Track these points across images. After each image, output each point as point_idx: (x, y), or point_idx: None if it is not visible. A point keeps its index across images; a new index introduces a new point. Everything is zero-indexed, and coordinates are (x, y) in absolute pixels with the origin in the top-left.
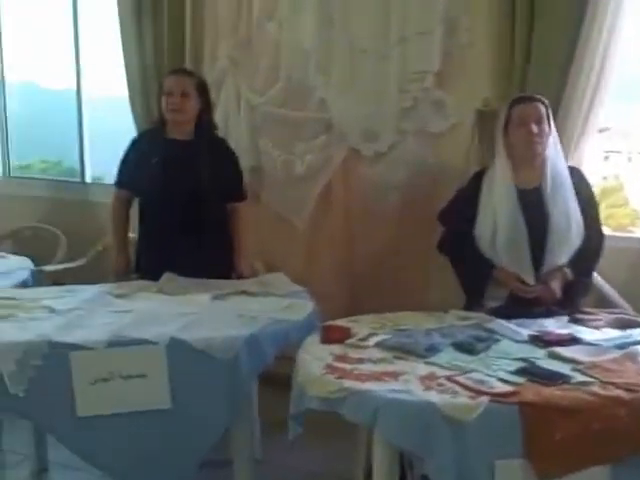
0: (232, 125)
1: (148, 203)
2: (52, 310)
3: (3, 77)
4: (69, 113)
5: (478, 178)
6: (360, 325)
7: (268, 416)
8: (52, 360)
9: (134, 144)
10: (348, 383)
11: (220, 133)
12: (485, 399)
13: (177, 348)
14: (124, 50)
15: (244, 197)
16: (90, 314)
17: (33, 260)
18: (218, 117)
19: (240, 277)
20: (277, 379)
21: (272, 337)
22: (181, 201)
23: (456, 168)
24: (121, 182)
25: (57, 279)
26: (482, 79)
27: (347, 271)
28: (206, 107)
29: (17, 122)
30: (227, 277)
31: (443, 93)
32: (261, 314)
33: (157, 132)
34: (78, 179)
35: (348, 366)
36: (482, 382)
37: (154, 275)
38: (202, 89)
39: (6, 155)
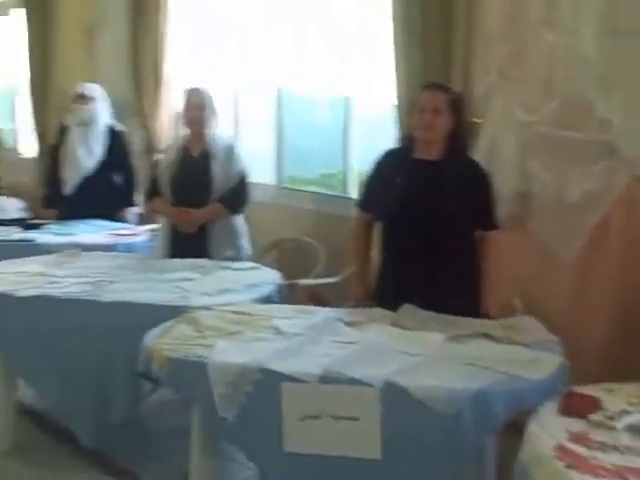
0: (498, 145)
1: (388, 227)
2: (279, 332)
3: (279, 89)
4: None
5: None
6: (614, 397)
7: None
8: (263, 388)
9: (379, 163)
10: (579, 477)
11: (484, 153)
12: None
13: (393, 393)
14: (396, 62)
15: (495, 225)
16: (313, 341)
17: (293, 272)
18: (483, 136)
19: (486, 316)
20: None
21: (503, 397)
22: (423, 226)
23: None
24: (363, 203)
25: (313, 294)
26: None
27: (619, 322)
28: (459, 126)
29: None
30: (473, 314)
31: None
32: (496, 366)
33: (405, 151)
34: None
35: (585, 451)
36: None
37: (391, 304)
38: (456, 106)
39: (280, 165)
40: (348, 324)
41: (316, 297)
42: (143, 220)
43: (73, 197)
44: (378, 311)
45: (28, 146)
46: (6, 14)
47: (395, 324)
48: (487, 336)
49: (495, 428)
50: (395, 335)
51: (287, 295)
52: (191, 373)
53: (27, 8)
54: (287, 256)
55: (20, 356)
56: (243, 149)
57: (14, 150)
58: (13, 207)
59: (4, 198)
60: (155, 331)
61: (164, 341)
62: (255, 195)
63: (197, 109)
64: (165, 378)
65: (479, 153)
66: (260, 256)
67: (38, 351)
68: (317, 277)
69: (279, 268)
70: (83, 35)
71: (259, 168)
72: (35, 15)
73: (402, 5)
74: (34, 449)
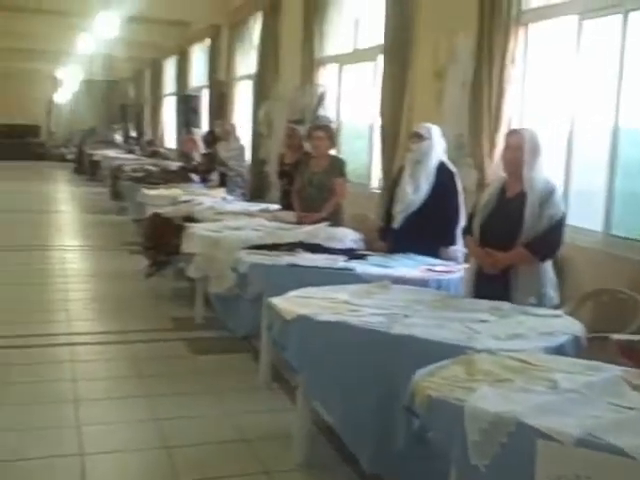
0: None
1: None
2: (554, 385)
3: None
4: None
5: None
6: None
7: None
8: (518, 442)
9: None
10: None
11: None
12: None
13: None
14: None
15: None
16: (586, 400)
17: (607, 325)
18: None
19: None
20: None
21: None
22: None
23: None
24: None
25: (627, 350)
26: None
27: None
28: None
29: None
30: None
31: None
32: None
33: None
34: None
35: None
36: None
37: None
38: None
39: (609, 210)
40: (635, 387)
41: (630, 354)
42: (466, 258)
43: (400, 231)
44: None
45: (378, 181)
46: (373, 60)
47: None
48: None
49: None
50: None
51: (593, 349)
52: (448, 415)
53: (386, 55)
54: (604, 307)
55: (315, 376)
56: (573, 192)
57: (365, 185)
58: (349, 238)
59: (344, 229)
60: (428, 368)
61: (432, 379)
62: (577, 240)
63: (515, 150)
64: (424, 416)
65: None
66: (574, 305)
67: (329, 373)
68: (635, 333)
69: (593, 319)
70: (433, 79)
71: (588, 212)
72: (392, 61)
73: None
74: (321, 466)
